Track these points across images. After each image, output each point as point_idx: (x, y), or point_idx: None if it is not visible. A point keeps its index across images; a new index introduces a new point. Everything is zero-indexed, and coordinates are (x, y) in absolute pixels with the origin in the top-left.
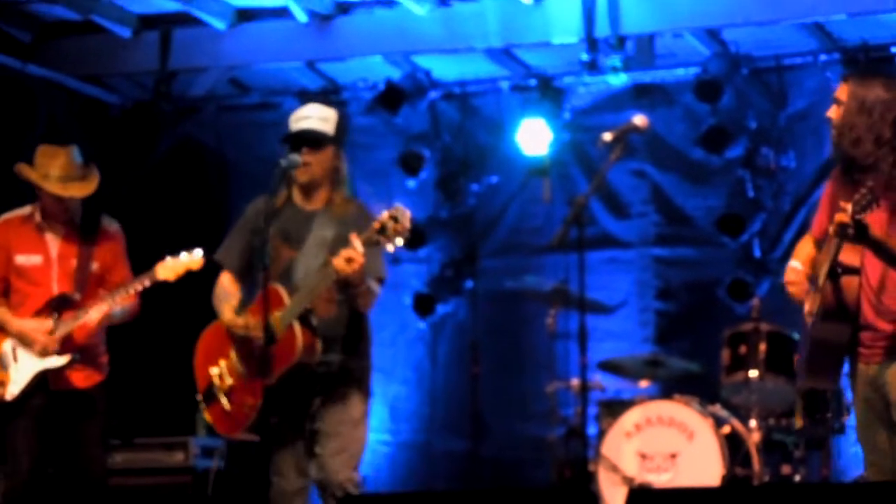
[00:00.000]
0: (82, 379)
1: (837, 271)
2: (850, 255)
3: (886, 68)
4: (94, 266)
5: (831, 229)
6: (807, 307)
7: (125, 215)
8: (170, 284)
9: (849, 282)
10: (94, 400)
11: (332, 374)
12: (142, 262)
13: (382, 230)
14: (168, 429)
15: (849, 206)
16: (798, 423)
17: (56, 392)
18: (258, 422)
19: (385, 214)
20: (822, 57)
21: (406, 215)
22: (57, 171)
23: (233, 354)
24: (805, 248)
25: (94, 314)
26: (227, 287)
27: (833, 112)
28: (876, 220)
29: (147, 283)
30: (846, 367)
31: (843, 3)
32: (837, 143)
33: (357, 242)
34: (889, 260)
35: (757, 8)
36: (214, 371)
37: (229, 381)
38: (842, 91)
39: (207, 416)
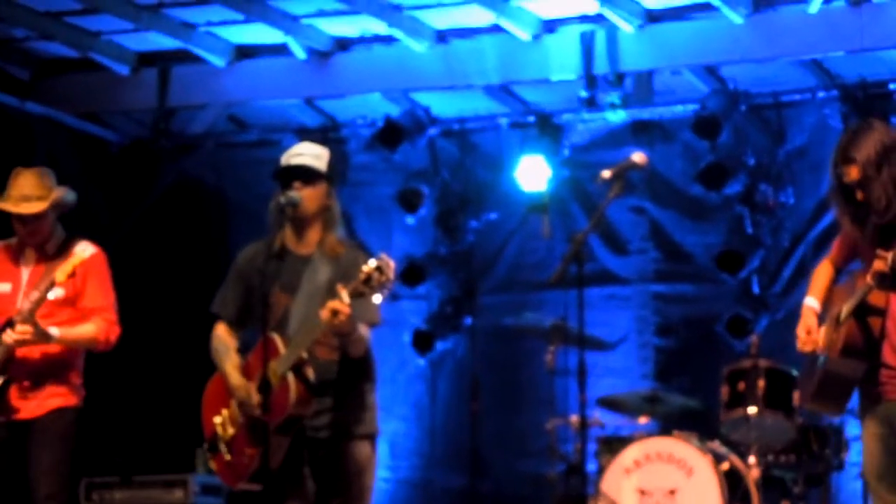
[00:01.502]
0: (33, 408)
1: (863, 311)
2: (876, 296)
3: (886, 106)
4: (61, 291)
5: (869, 277)
6: (822, 342)
7: (124, 251)
8: (172, 326)
9: (872, 321)
10: (46, 428)
11: (332, 421)
12: (139, 297)
13: (368, 281)
14: (167, 466)
15: (889, 256)
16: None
17: (9, 423)
18: (259, 471)
19: (371, 265)
20: (821, 94)
21: (391, 266)
22: (17, 191)
23: (233, 404)
24: (823, 276)
25: (13, 336)
26: (225, 340)
27: (853, 173)
28: None
29: (46, 292)
30: (854, 402)
31: (840, 41)
32: (869, 210)
33: (343, 294)
34: None
35: (755, 45)
36: (217, 420)
37: (231, 430)
38: (859, 155)
39: (213, 466)
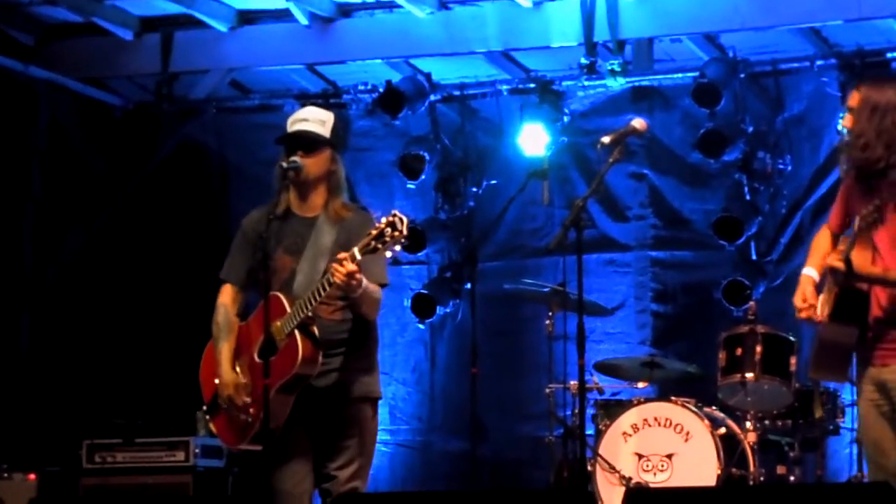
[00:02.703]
0: None
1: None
2: (861, 259)
3: (883, 74)
4: None
5: (827, 272)
6: (819, 310)
7: (126, 215)
8: (173, 290)
9: (860, 285)
10: None
11: (336, 382)
12: (141, 261)
13: (380, 237)
14: (169, 428)
15: (842, 248)
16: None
17: None
18: (261, 431)
19: (383, 221)
20: (819, 62)
21: (404, 222)
22: None
23: (235, 365)
24: (822, 243)
25: None
26: (229, 307)
27: (846, 121)
28: (884, 237)
29: None
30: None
31: (839, 9)
32: (848, 149)
33: (354, 250)
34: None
35: (754, 13)
36: (218, 382)
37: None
38: (853, 99)
39: (213, 427)
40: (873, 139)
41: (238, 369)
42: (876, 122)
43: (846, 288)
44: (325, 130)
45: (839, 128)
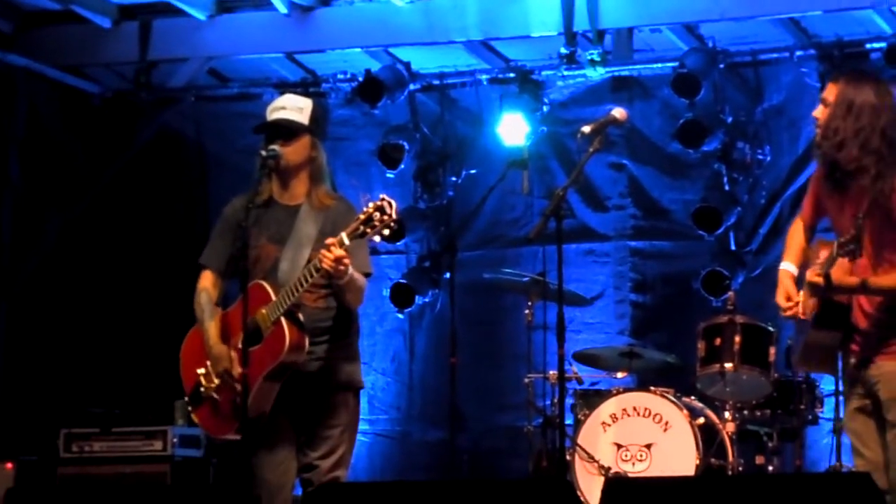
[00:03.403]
0: None
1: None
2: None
3: (862, 65)
4: None
5: (806, 288)
6: (802, 307)
7: (104, 203)
8: (151, 278)
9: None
10: None
11: (320, 370)
12: (119, 249)
13: (369, 221)
14: (146, 418)
15: (821, 263)
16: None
17: None
18: (242, 420)
19: (371, 206)
20: (798, 52)
21: (393, 206)
22: None
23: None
24: (796, 236)
25: None
26: (209, 294)
27: (819, 112)
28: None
29: None
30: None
31: (818, 0)
32: (820, 145)
33: (343, 235)
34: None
35: (734, 4)
36: (201, 371)
37: (216, 381)
38: (829, 91)
39: (195, 418)
40: (850, 138)
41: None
42: (852, 121)
43: (827, 300)
44: (304, 118)
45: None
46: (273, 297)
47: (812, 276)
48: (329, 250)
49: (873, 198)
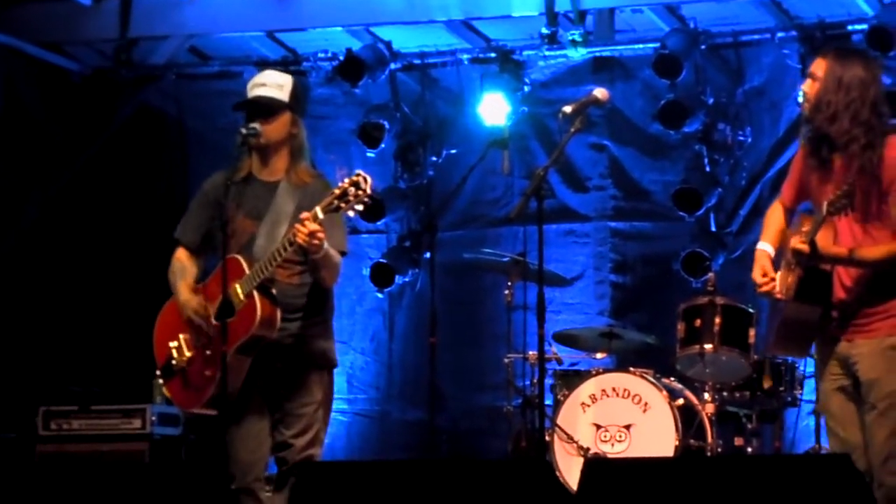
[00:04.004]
0: None
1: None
2: (824, 239)
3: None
4: None
5: (790, 255)
6: (779, 286)
7: (84, 181)
8: (131, 257)
9: (823, 268)
10: None
11: (293, 346)
12: (99, 227)
13: (343, 196)
14: (125, 396)
15: (805, 230)
16: (766, 383)
17: None
18: (217, 395)
19: (346, 181)
20: (780, 34)
21: (368, 181)
22: None
23: (191, 328)
24: (775, 218)
25: None
26: (184, 262)
27: (808, 86)
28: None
29: None
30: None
31: None
32: (811, 119)
33: (317, 209)
34: (853, 266)
35: None
36: (173, 345)
37: (188, 354)
38: (818, 66)
39: (166, 391)
40: (841, 111)
41: (195, 331)
42: (843, 95)
43: (810, 269)
44: (284, 95)
45: (800, 98)
46: (247, 272)
47: (797, 242)
48: (303, 224)
49: (861, 164)
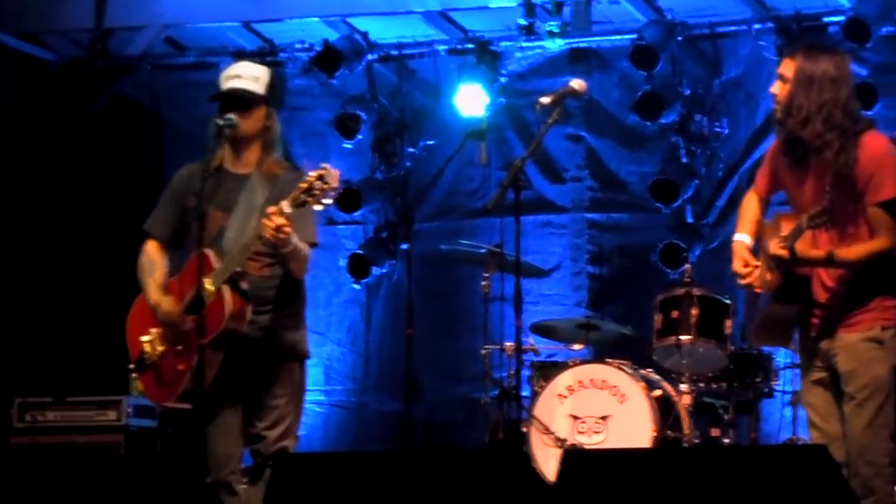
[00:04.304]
0: None
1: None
2: (802, 242)
3: (820, 38)
4: None
5: (772, 251)
6: (757, 280)
7: (59, 171)
8: (106, 248)
9: (801, 271)
10: None
11: (263, 338)
12: (74, 218)
13: (309, 190)
14: (101, 388)
15: (785, 235)
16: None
17: None
18: (190, 389)
19: (312, 174)
20: (756, 25)
21: (334, 175)
22: None
23: (163, 323)
24: (750, 208)
25: None
26: (153, 257)
27: (777, 88)
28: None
29: None
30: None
31: None
32: (783, 122)
33: (284, 204)
34: (834, 268)
35: None
36: (145, 339)
37: (160, 348)
38: (787, 67)
39: (139, 385)
40: (813, 113)
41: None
42: (814, 96)
43: (789, 274)
44: (260, 87)
45: (772, 99)
46: (217, 266)
47: (776, 248)
48: (270, 219)
49: (836, 170)
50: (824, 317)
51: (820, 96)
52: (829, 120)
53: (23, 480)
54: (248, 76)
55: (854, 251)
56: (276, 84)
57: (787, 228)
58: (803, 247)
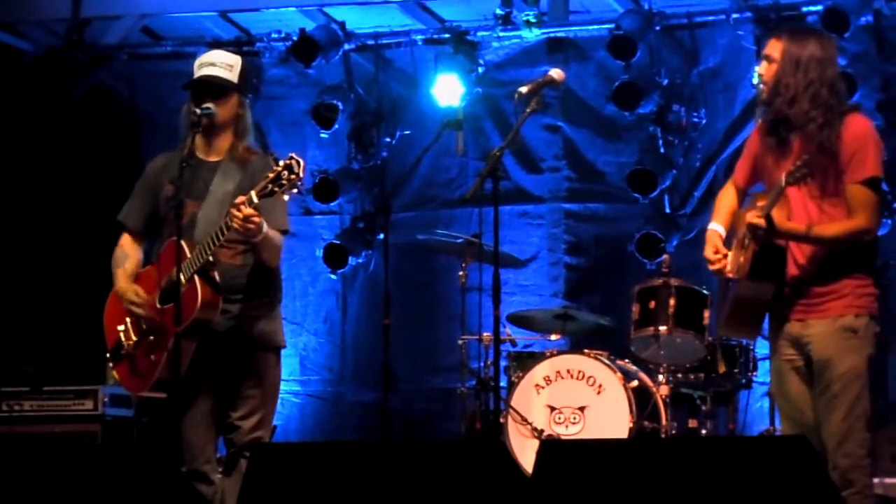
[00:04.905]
0: None
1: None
2: (778, 216)
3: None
4: None
5: (745, 231)
6: (730, 265)
7: (36, 161)
8: (83, 238)
9: (777, 241)
10: None
11: (236, 328)
12: (50, 207)
13: (277, 180)
14: (77, 377)
15: (762, 205)
16: (721, 368)
17: None
18: (164, 379)
19: (280, 164)
20: (735, 15)
21: (301, 164)
22: None
23: (133, 314)
24: (727, 199)
25: None
26: (126, 248)
27: (763, 69)
28: (797, 194)
29: None
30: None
31: None
32: (769, 101)
33: (252, 194)
34: (810, 243)
35: None
36: (121, 328)
37: (133, 338)
38: (773, 48)
39: (115, 375)
40: (800, 92)
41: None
42: (802, 76)
43: (765, 244)
44: (233, 75)
45: (755, 80)
46: (188, 255)
47: (753, 217)
48: (238, 209)
49: (819, 142)
50: (796, 301)
51: (807, 76)
52: (816, 98)
53: None
54: (221, 64)
55: (832, 228)
56: (247, 72)
57: (762, 203)
58: (780, 219)
